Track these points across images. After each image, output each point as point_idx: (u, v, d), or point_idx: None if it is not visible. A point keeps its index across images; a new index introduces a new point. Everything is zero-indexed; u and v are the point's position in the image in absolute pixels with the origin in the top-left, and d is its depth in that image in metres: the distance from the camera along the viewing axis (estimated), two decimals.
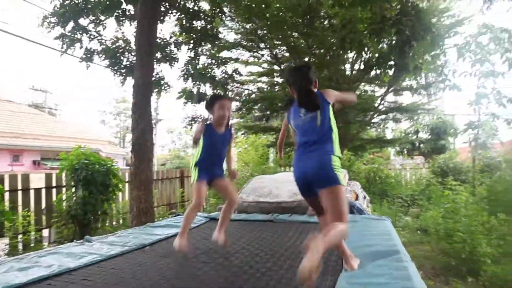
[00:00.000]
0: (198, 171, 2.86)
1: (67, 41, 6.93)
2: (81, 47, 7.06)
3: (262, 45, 10.70)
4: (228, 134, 3.05)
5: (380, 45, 5.54)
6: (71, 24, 6.88)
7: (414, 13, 4.57)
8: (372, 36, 5.63)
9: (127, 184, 7.32)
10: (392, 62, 5.38)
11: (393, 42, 5.19)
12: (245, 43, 10.99)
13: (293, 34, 9.85)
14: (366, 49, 5.87)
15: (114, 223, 7.48)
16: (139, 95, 5.38)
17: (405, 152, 16.01)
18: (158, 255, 2.77)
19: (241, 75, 9.39)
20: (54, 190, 6.61)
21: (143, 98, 5.38)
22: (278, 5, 8.64)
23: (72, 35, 6.96)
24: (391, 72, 5.62)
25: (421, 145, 15.24)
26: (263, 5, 8.33)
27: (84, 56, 7.12)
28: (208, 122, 2.98)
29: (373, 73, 6.99)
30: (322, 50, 10.72)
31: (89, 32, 7.13)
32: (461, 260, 5.17)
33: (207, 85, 8.49)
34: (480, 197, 7.89)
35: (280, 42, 10.74)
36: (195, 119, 8.37)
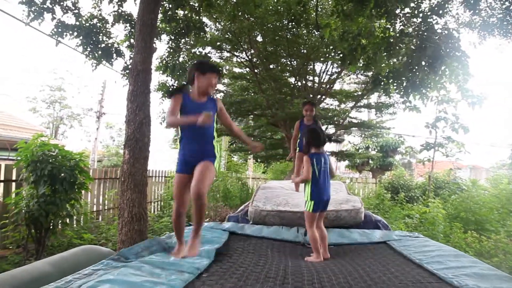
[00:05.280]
0: None
1: (36, 9, 5.85)
2: (52, 19, 6.01)
3: (237, 47, 10.29)
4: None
5: (393, 60, 5.50)
6: None
7: (446, 32, 4.59)
8: (381, 51, 5.58)
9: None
10: (403, 79, 5.37)
11: (411, 58, 5.15)
12: (220, 44, 10.47)
13: (275, 38, 9.59)
14: (374, 63, 5.78)
15: (74, 225, 6.48)
16: (138, 82, 4.64)
17: (355, 166, 16.68)
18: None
19: (224, 73, 8.86)
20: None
21: (142, 86, 4.66)
22: (266, 6, 8.35)
23: (42, 3, 5.89)
24: (400, 89, 5.59)
25: (370, 161, 15.95)
26: (253, 5, 7.96)
27: (55, 30, 6.07)
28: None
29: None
30: (296, 59, 10.66)
31: (63, 2, 6.11)
32: None
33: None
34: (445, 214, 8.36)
35: (256, 45, 10.44)
36: None
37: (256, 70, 10.67)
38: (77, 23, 6.40)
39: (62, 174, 5.32)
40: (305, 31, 9.47)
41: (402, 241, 3.56)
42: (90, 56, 6.68)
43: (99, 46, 6.67)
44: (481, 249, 6.80)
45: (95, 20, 6.80)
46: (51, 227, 5.31)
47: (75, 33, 6.41)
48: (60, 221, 5.51)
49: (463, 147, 10.72)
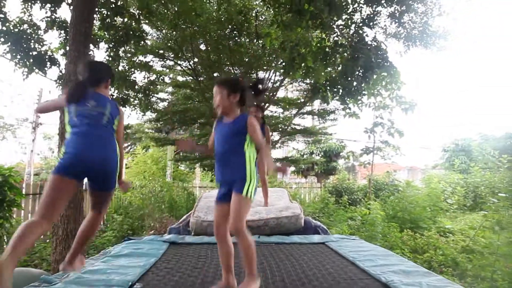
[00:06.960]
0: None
1: None
2: None
3: (180, 55, 10.20)
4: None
5: (329, 69, 5.77)
6: None
7: (375, 43, 4.92)
8: (319, 60, 5.85)
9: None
10: (339, 87, 5.66)
11: (345, 67, 5.44)
12: (162, 52, 10.32)
13: (218, 46, 9.64)
14: (311, 72, 6.02)
15: (4, 246, 5.97)
16: None
17: (301, 172, 17.14)
18: None
19: (165, 83, 8.72)
20: None
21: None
22: (208, 16, 8.39)
23: None
24: (337, 97, 5.88)
25: (315, 166, 16.49)
26: (194, 14, 7.95)
27: None
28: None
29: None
30: (240, 68, 10.79)
31: None
32: None
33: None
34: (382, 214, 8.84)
35: (199, 54, 10.41)
36: None
37: (199, 79, 10.63)
38: (4, 28, 6.00)
39: None
40: (247, 40, 9.64)
41: (339, 242, 3.76)
42: (21, 64, 6.27)
43: (31, 53, 6.29)
44: (416, 246, 7.28)
45: (25, 26, 6.41)
46: None
47: (2, 39, 6.00)
48: None
49: (399, 150, 11.45)
